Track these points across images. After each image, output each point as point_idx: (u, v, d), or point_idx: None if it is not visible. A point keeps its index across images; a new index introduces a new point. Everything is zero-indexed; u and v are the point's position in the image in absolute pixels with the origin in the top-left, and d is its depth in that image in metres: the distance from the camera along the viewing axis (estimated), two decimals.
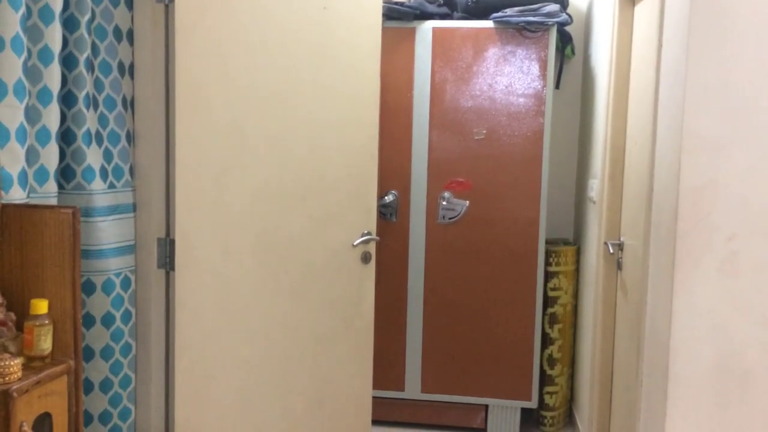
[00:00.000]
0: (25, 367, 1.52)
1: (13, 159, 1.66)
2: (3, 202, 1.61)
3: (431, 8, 3.14)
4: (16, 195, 1.66)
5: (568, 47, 3.34)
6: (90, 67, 1.91)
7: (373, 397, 2.79)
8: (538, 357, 3.18)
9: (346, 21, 2.44)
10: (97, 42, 1.93)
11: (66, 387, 1.56)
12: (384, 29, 2.63)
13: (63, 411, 1.57)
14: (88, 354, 1.94)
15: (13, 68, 1.65)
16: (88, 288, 1.92)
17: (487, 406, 3.23)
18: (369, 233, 2.61)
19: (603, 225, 2.73)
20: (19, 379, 1.46)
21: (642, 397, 1.97)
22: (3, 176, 1.62)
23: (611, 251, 2.60)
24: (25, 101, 1.69)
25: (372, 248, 2.65)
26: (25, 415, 1.46)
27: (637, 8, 2.56)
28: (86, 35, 1.87)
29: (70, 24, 1.86)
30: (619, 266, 2.64)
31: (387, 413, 3.26)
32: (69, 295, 1.55)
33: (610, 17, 2.73)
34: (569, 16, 3.06)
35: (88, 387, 1.96)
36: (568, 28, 3.26)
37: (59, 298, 1.57)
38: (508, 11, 3.02)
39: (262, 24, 2.16)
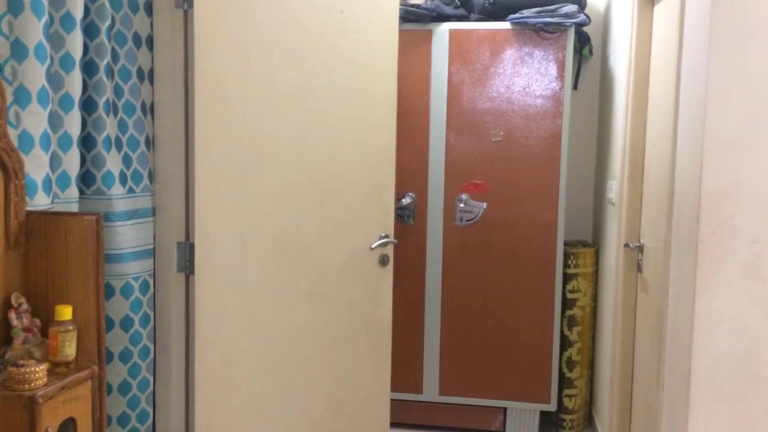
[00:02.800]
0: (50, 372, 1.54)
1: (38, 165, 1.68)
2: (28, 208, 1.62)
3: (448, 10, 3.13)
4: (41, 201, 1.68)
5: (586, 48, 3.33)
6: (110, 73, 1.93)
7: (391, 400, 2.79)
8: (557, 359, 3.16)
9: (363, 24, 2.44)
10: (117, 48, 1.95)
11: (90, 392, 1.58)
12: (401, 31, 2.63)
13: (87, 416, 1.58)
14: (107, 357, 1.96)
15: (37, 75, 1.67)
16: (108, 292, 1.94)
17: (505, 409, 3.22)
18: (387, 236, 2.61)
19: (622, 227, 2.71)
20: (44, 384, 1.48)
21: (664, 400, 1.95)
22: (28, 183, 1.64)
23: (631, 248, 2.58)
24: (49, 108, 1.71)
25: (390, 251, 2.65)
26: (50, 420, 1.47)
27: (656, 8, 2.54)
28: (106, 42, 1.89)
29: (90, 31, 1.88)
30: (639, 268, 2.62)
31: (405, 415, 3.26)
32: (93, 301, 1.57)
33: (629, 18, 2.71)
34: (587, 16, 3.04)
35: (107, 389, 1.97)
36: (585, 29, 3.24)
37: (83, 304, 1.59)
38: (526, 12, 3.01)
39: (280, 28, 2.16)
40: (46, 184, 1.70)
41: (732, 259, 1.62)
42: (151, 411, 2.05)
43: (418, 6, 3.06)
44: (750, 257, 1.62)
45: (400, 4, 2.81)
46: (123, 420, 2.00)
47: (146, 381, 2.03)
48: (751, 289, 1.63)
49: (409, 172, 3.17)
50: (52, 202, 1.73)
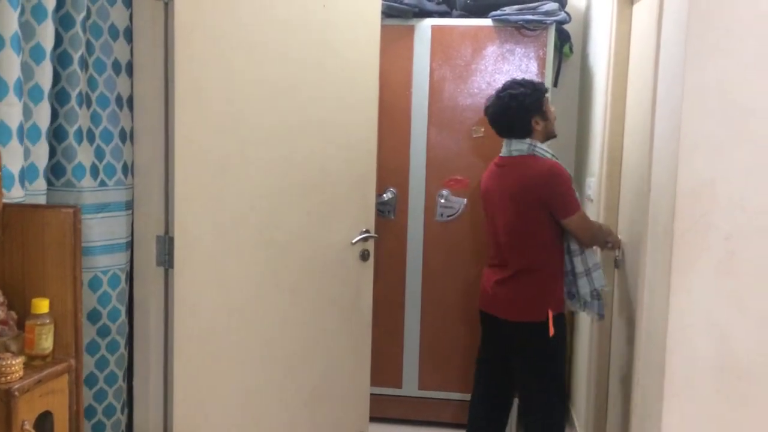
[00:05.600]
0: (27, 366, 1.52)
1: (15, 157, 1.66)
2: (4, 200, 1.61)
3: (430, 6, 3.14)
4: (17, 194, 1.66)
5: (566, 46, 3.35)
6: (84, 65, 1.90)
7: (371, 394, 2.80)
8: None
9: (345, 18, 2.44)
10: (92, 40, 1.93)
11: (67, 385, 1.56)
12: (383, 27, 2.64)
13: (64, 409, 1.57)
14: None
15: (13, 66, 1.65)
16: None
17: None
18: (368, 231, 2.62)
19: (600, 223, 2.74)
20: (21, 378, 1.46)
21: (638, 394, 1.98)
22: (5, 175, 1.62)
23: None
24: (23, 99, 1.69)
25: (370, 246, 2.66)
26: (26, 413, 1.46)
27: (636, 7, 2.57)
28: (81, 33, 1.87)
29: (65, 22, 1.86)
30: (616, 264, 2.65)
31: (385, 410, 3.27)
32: (70, 294, 1.55)
33: (609, 16, 2.74)
34: (568, 14, 3.06)
35: None
36: (566, 27, 3.27)
37: (60, 297, 1.57)
38: (507, 9, 3.03)
39: (262, 21, 2.16)
40: (21, 176, 1.68)
41: (706, 255, 1.65)
42: (118, 406, 2.04)
43: (400, 1, 3.07)
44: (724, 254, 1.64)
45: (383, 0, 2.81)
46: (89, 413, 1.98)
47: (114, 375, 2.02)
48: (724, 285, 1.65)
49: (391, 167, 3.17)
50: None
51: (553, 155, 2.52)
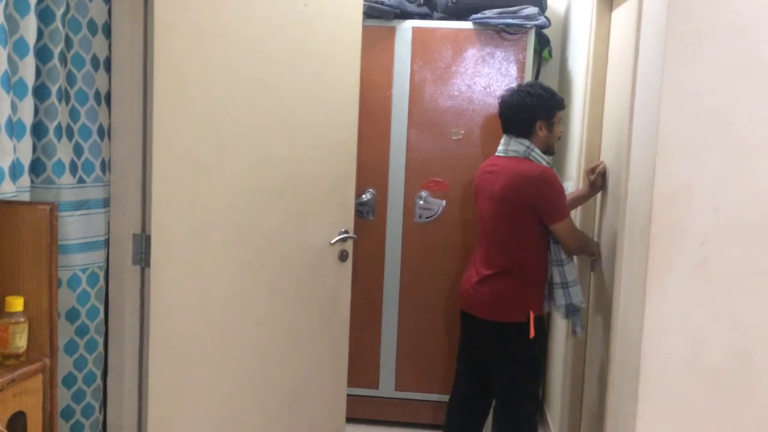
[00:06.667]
0: (0, 365, 1.50)
1: (4, 152, 1.63)
2: None
3: (411, 8, 3.15)
4: (8, 189, 1.63)
5: (545, 50, 3.38)
6: (63, 60, 1.88)
7: (348, 395, 2.80)
8: None
9: (326, 17, 2.44)
10: (71, 35, 1.90)
11: (41, 385, 1.53)
12: (364, 28, 2.64)
13: (37, 410, 1.54)
14: None
15: (1, 60, 1.62)
16: None
17: None
18: (346, 231, 2.61)
19: (577, 226, 2.77)
20: None
21: (613, 397, 2.00)
22: None
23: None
24: (11, 94, 1.66)
25: (349, 246, 2.65)
26: None
27: (615, 13, 2.59)
28: (61, 27, 1.85)
29: (45, 16, 1.83)
30: (593, 267, 2.68)
31: (361, 410, 3.27)
32: (45, 293, 1.53)
33: (588, 21, 2.77)
34: (547, 19, 3.09)
35: None
36: (545, 31, 3.29)
37: (35, 295, 1.55)
38: (488, 13, 3.04)
39: (243, 19, 2.14)
40: (11, 171, 1.65)
41: (682, 260, 1.67)
42: (97, 405, 2.01)
43: (381, 2, 3.07)
44: (699, 258, 1.67)
45: (364, 0, 2.81)
46: (66, 413, 1.95)
47: (93, 375, 1.99)
48: (699, 289, 1.68)
49: (370, 168, 3.17)
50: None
51: (548, 163, 2.53)
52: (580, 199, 2.68)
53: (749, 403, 1.69)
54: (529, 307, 2.51)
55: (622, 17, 2.46)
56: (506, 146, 2.56)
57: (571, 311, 2.56)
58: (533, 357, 2.58)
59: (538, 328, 2.53)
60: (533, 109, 2.52)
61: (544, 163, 2.51)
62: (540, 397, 2.69)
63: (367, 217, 3.19)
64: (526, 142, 2.52)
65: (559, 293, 2.54)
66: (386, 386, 3.30)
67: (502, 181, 2.51)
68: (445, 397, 3.21)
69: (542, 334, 2.60)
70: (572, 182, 2.92)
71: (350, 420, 2.88)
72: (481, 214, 2.64)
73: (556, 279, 2.54)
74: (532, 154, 2.51)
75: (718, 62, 1.63)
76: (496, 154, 2.61)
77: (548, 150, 2.59)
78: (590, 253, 2.60)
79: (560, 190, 2.48)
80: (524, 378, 2.59)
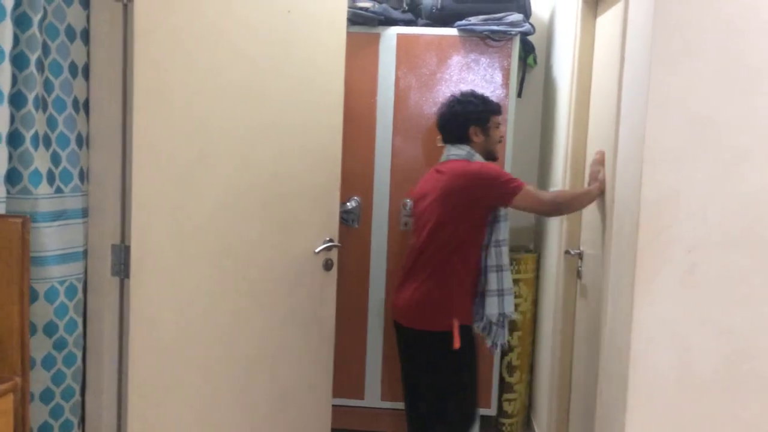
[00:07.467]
0: None
1: None
2: None
3: (396, 14, 3.13)
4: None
5: (530, 57, 3.38)
6: (40, 67, 1.84)
7: (333, 405, 2.76)
8: (498, 364, 3.19)
9: (310, 25, 2.41)
10: (48, 41, 1.86)
11: (12, 405, 1.48)
12: (348, 34, 2.62)
13: (8, 430, 1.49)
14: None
15: None
16: (31, 296, 1.83)
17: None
18: (331, 240, 2.58)
19: (563, 233, 2.76)
20: None
21: (601, 405, 1.98)
22: None
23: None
24: None
25: (334, 255, 2.62)
26: None
27: (599, 20, 2.59)
28: (38, 34, 1.80)
29: (21, 22, 1.79)
30: (579, 275, 2.67)
31: (347, 421, 3.23)
32: (17, 309, 1.48)
33: (572, 28, 2.76)
34: (532, 26, 3.08)
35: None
36: (530, 38, 3.29)
37: (6, 311, 1.49)
38: (472, 19, 3.03)
39: (226, 26, 2.11)
40: None
41: (669, 267, 1.66)
42: (75, 421, 1.96)
43: (366, 9, 3.05)
44: (687, 266, 1.66)
45: (348, 7, 2.79)
46: (45, 430, 1.90)
47: (71, 390, 1.94)
48: (687, 297, 1.67)
49: (355, 175, 3.15)
50: None
51: None
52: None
53: (738, 410, 1.68)
54: (454, 315, 2.38)
55: (607, 24, 2.46)
56: (447, 152, 2.54)
57: (501, 323, 2.45)
58: (460, 371, 2.43)
59: (467, 339, 2.40)
60: (465, 117, 2.51)
61: None
62: (475, 417, 2.52)
63: (352, 225, 3.16)
64: (467, 148, 2.50)
65: (492, 301, 2.43)
66: (372, 396, 3.26)
67: (443, 183, 2.43)
68: None
69: (471, 346, 2.45)
70: (558, 188, 2.91)
71: (335, 431, 2.84)
72: (417, 220, 2.55)
73: (493, 285, 2.43)
74: (474, 157, 2.48)
75: (704, 69, 1.62)
76: (440, 161, 2.56)
77: (489, 155, 2.55)
78: (588, 200, 2.36)
79: (500, 170, 2.46)
80: (450, 394, 2.44)
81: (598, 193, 2.31)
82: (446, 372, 2.44)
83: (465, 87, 3.08)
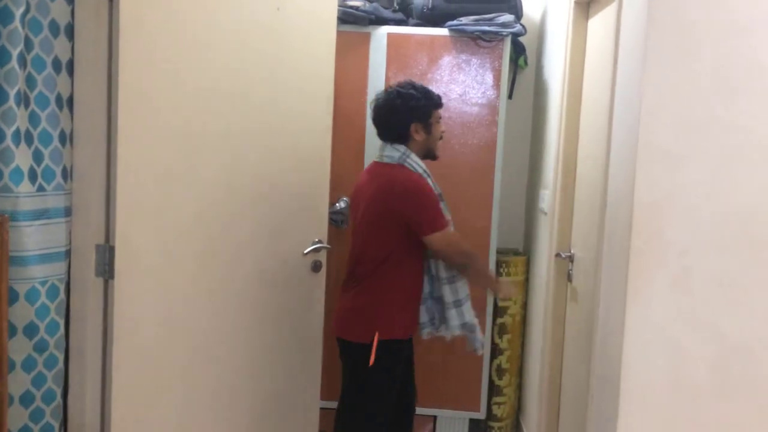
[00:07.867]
0: None
1: None
2: None
3: (387, 14, 3.11)
4: None
5: (521, 58, 3.36)
6: (23, 62, 1.79)
7: (321, 408, 2.74)
8: (487, 367, 3.17)
9: (300, 23, 2.38)
10: (31, 36, 1.82)
11: None
12: (338, 33, 2.59)
13: None
14: (8, 366, 1.80)
15: None
16: (11, 296, 1.78)
17: (435, 417, 3.20)
18: (320, 241, 2.55)
19: (554, 236, 2.74)
20: None
21: (593, 410, 1.96)
22: None
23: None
24: None
25: (323, 257, 2.59)
26: None
27: (591, 21, 2.58)
28: (20, 29, 1.76)
29: (3, 16, 1.74)
30: (569, 278, 2.65)
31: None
32: None
33: (564, 30, 2.75)
34: (523, 27, 3.07)
35: (8, 401, 1.82)
36: (521, 39, 3.27)
37: None
38: (464, 20, 3.01)
39: (213, 22, 2.08)
40: None
41: (662, 271, 1.65)
42: (56, 425, 1.91)
43: (356, 8, 3.02)
44: (680, 270, 1.64)
45: (339, 5, 2.76)
46: None
47: (52, 392, 1.89)
48: (680, 301, 1.65)
49: (344, 176, 3.11)
50: None
51: (425, 171, 2.36)
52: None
53: (730, 414, 1.67)
54: (377, 327, 2.29)
55: (599, 25, 2.44)
56: (381, 152, 2.39)
57: (469, 330, 2.39)
58: (378, 388, 2.34)
59: (389, 356, 2.30)
60: (406, 111, 2.33)
61: (420, 171, 2.34)
62: None
63: (341, 226, 3.13)
64: (402, 148, 2.34)
65: (452, 313, 2.35)
66: None
67: (373, 188, 2.35)
68: (419, 410, 3.16)
69: (392, 363, 2.34)
70: (548, 190, 2.90)
71: None
72: (354, 224, 2.49)
73: (448, 298, 2.34)
74: (408, 161, 2.33)
75: (698, 69, 1.61)
76: (374, 159, 2.44)
77: (429, 154, 2.41)
78: (477, 268, 2.37)
79: (431, 199, 2.28)
80: (365, 410, 2.36)
81: (487, 276, 2.52)
82: (361, 388, 2.36)
83: (455, 87, 3.06)
